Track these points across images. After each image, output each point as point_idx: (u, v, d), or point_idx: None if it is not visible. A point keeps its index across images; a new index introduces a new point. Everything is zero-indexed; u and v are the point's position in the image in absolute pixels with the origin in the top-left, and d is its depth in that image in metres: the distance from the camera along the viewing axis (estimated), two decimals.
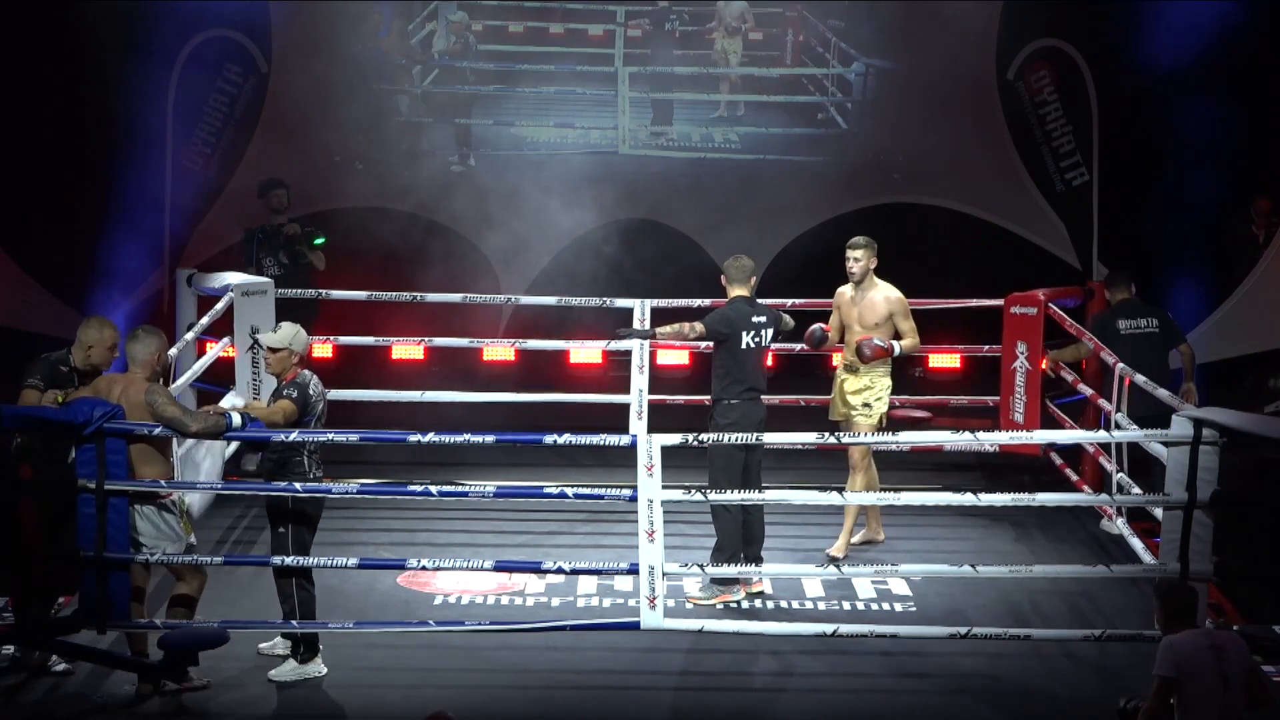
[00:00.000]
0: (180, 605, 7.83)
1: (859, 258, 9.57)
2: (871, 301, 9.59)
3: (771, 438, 8.86)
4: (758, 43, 14.25)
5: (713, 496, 8.46)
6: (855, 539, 9.76)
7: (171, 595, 7.89)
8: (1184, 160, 13.05)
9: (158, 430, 7.69)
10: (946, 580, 9.06)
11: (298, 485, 7.84)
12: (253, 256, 11.56)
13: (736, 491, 8.67)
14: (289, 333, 8.05)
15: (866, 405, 9.57)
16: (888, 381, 9.61)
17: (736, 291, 9.11)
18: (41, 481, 7.69)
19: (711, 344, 9.13)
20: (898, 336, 9.59)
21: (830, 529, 9.73)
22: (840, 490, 9.27)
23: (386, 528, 10.05)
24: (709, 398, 9.13)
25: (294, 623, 7.88)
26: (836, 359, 10.03)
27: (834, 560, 9.39)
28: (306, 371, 8.03)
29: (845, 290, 9.73)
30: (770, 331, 9.09)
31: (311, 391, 7.95)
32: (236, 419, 7.75)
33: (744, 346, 8.98)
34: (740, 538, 8.94)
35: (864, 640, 8.17)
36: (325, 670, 7.90)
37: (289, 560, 7.83)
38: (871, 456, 9.62)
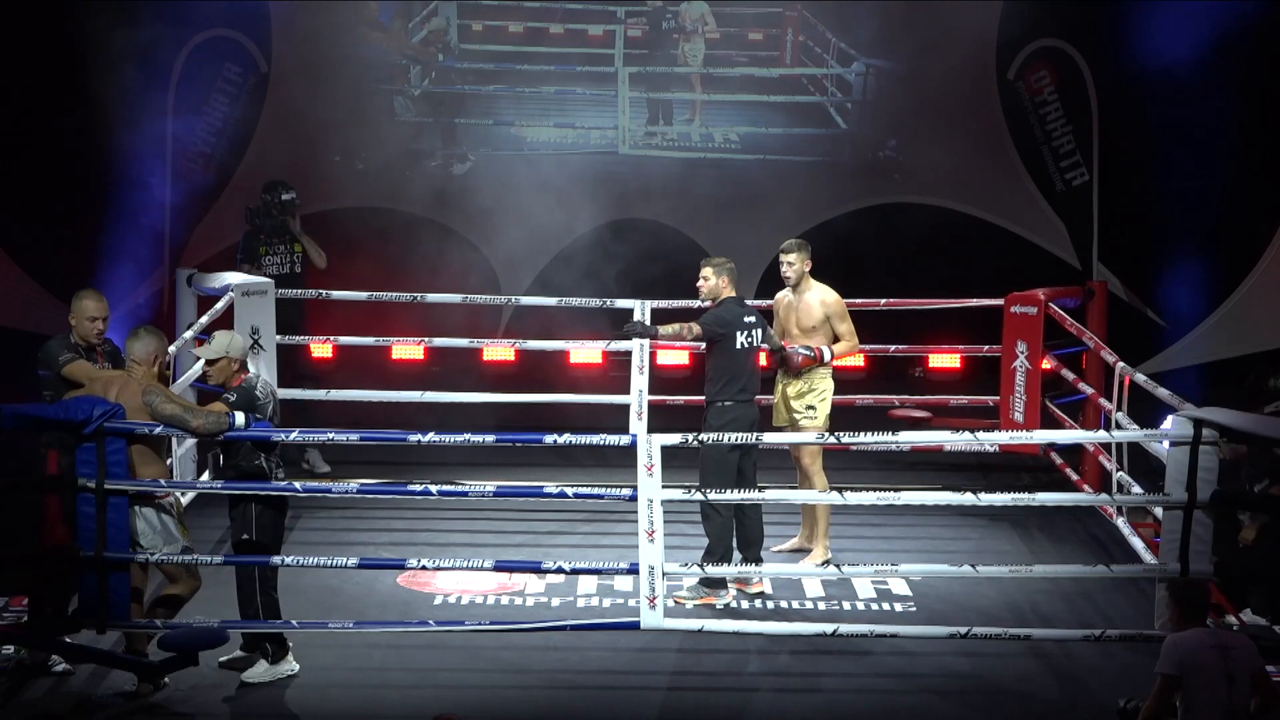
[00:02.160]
0: (164, 605, 7.83)
1: (792, 261, 9.46)
2: (807, 305, 9.47)
3: (770, 438, 8.86)
4: (757, 42, 14.25)
5: (713, 496, 8.45)
6: (787, 546, 9.73)
7: (158, 595, 7.89)
8: (1184, 160, 13.06)
9: (158, 430, 7.69)
10: (946, 580, 9.06)
11: (298, 485, 7.85)
12: (250, 253, 11.51)
13: (734, 492, 8.67)
14: (223, 341, 7.97)
15: (810, 408, 9.43)
16: (829, 383, 9.47)
17: (727, 293, 9.11)
18: (65, 477, 7.69)
19: (705, 345, 9.12)
20: (837, 339, 9.52)
21: (834, 529, 9.70)
22: (840, 490, 9.25)
23: (386, 528, 10.05)
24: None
25: (295, 623, 7.88)
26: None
27: (828, 562, 9.37)
28: (252, 375, 7.98)
29: (783, 295, 9.63)
30: (760, 332, 9.09)
31: (259, 394, 7.88)
32: (240, 418, 7.76)
33: (738, 347, 8.97)
34: (730, 540, 8.93)
35: (864, 640, 8.18)
36: (297, 668, 7.89)
37: (276, 560, 7.86)
38: (821, 461, 9.55)
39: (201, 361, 10.27)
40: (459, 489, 8.66)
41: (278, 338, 10.69)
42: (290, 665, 7.89)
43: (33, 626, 7.81)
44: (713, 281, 9.11)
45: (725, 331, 8.97)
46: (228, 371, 7.93)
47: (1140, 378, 9.32)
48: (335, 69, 13.54)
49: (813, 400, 9.43)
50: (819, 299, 9.46)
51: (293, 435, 7.87)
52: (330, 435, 8.06)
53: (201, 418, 7.72)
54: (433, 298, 11.47)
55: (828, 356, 9.39)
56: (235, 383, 7.92)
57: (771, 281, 13.24)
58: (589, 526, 10.14)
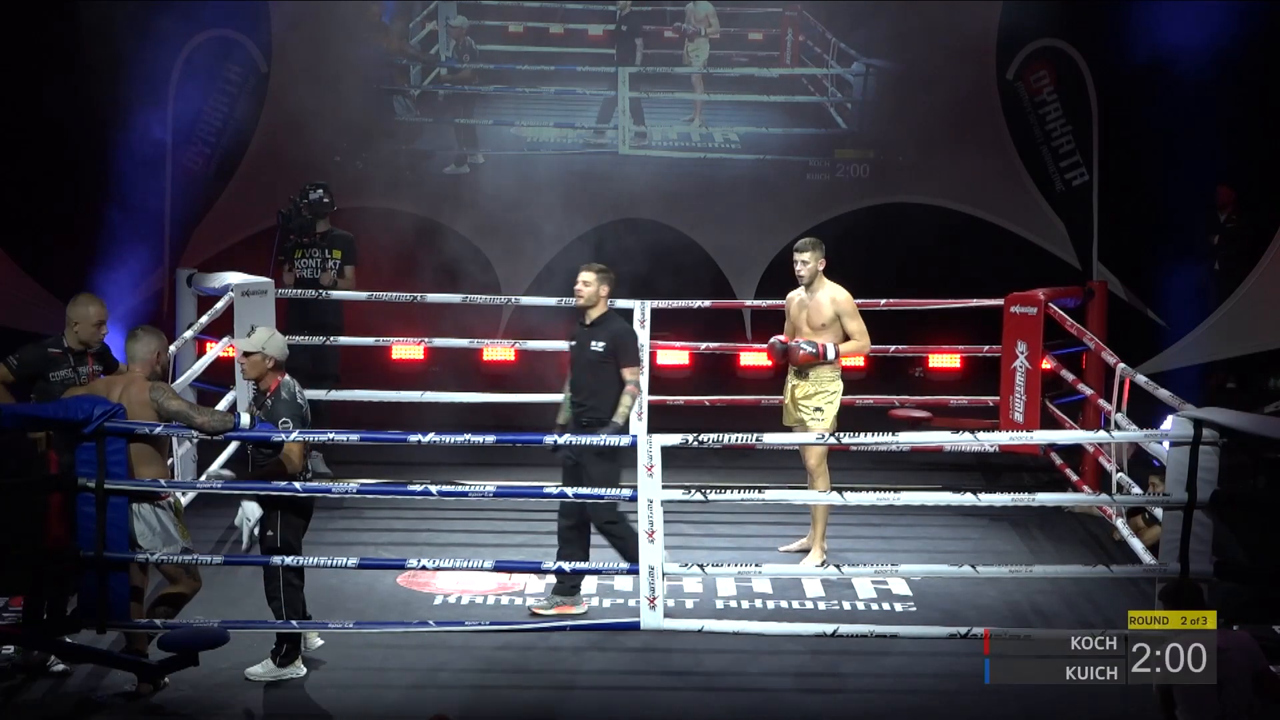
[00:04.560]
0: (164, 604, 7.84)
1: (806, 260, 9.44)
2: (818, 303, 9.45)
3: (770, 438, 8.85)
4: (757, 42, 14.25)
5: (713, 496, 8.43)
6: (794, 546, 9.73)
7: (159, 594, 7.90)
8: (1184, 160, 13.06)
9: (158, 429, 7.70)
10: (946, 580, 9.06)
11: (297, 485, 7.85)
12: (287, 253, 11.45)
13: (736, 493, 8.67)
14: (262, 337, 7.99)
15: (818, 410, 9.43)
16: (838, 385, 9.46)
17: (604, 303, 8.86)
18: (64, 477, 7.70)
19: (603, 361, 8.78)
20: (847, 338, 9.50)
21: (834, 529, 9.72)
22: (840, 490, 9.24)
23: (386, 528, 10.05)
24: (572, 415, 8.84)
25: (294, 623, 7.89)
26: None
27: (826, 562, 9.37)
28: (287, 378, 7.99)
29: (795, 294, 9.60)
30: None
31: (300, 401, 7.94)
32: (245, 419, 7.76)
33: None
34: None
35: (864, 640, 8.17)
36: (304, 672, 7.89)
37: (279, 560, 7.85)
38: (827, 465, 9.54)
39: (204, 360, 10.40)
40: (459, 489, 8.66)
41: (306, 338, 10.80)
42: (297, 669, 7.89)
43: (27, 627, 7.81)
44: (594, 288, 8.82)
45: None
46: (261, 368, 7.94)
47: (1140, 379, 9.32)
48: (335, 69, 13.55)
49: (820, 402, 9.43)
50: (830, 297, 9.45)
51: (293, 435, 7.87)
52: (330, 435, 8.07)
53: (206, 415, 7.74)
54: (433, 298, 11.46)
55: (831, 354, 9.37)
56: (273, 384, 7.94)
57: (771, 281, 13.30)
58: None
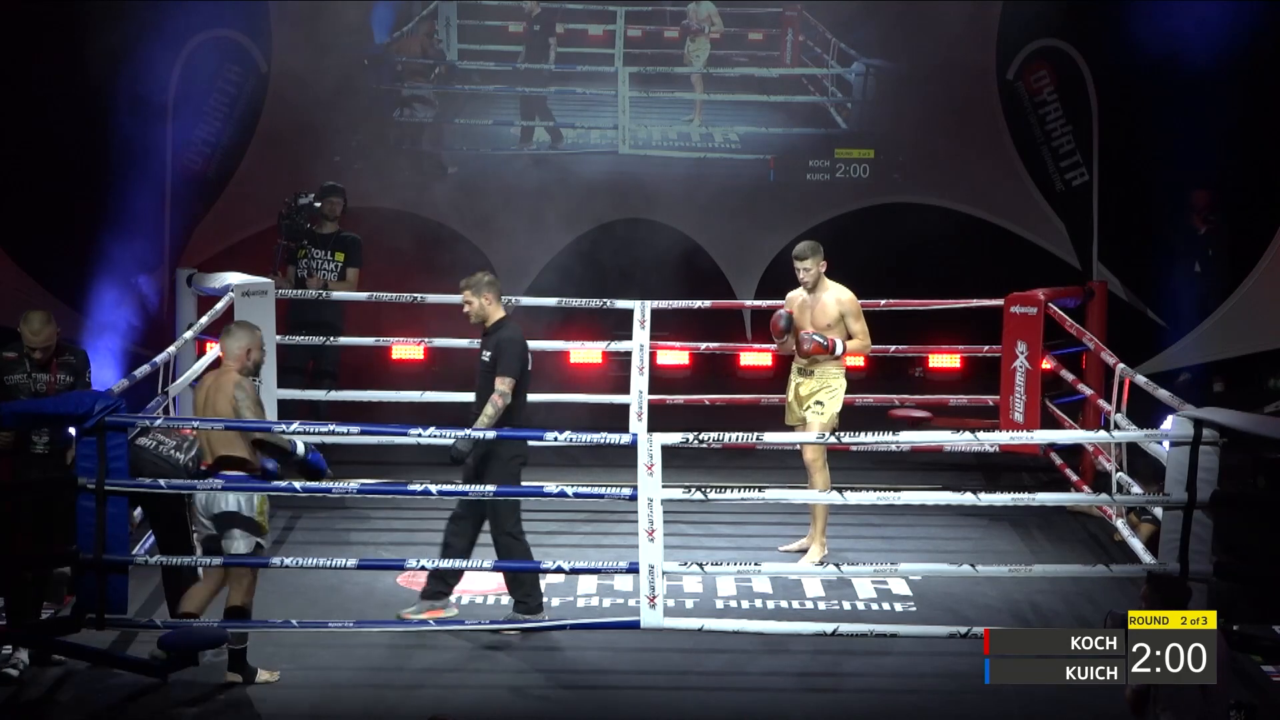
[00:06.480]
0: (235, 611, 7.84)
1: (808, 266, 9.46)
2: (823, 304, 9.49)
3: (770, 437, 8.86)
4: (757, 42, 14.25)
5: (713, 496, 8.43)
6: (794, 546, 9.73)
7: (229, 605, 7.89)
8: (1184, 160, 13.05)
9: (159, 423, 7.70)
10: (946, 580, 9.06)
11: (297, 485, 7.86)
12: (290, 255, 11.41)
13: (738, 492, 8.67)
14: None
15: (819, 404, 9.48)
16: (841, 382, 9.51)
17: (496, 312, 8.65)
18: (25, 481, 7.69)
19: (493, 367, 8.51)
20: (851, 338, 9.51)
21: (834, 529, 9.72)
22: (840, 490, 9.25)
23: (386, 528, 10.05)
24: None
25: (295, 622, 7.88)
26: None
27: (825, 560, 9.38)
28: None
29: (797, 294, 9.62)
30: None
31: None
32: (300, 447, 7.83)
33: (528, 371, 8.62)
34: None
35: (864, 640, 8.18)
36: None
37: (278, 561, 7.88)
38: (826, 459, 9.55)
39: (205, 360, 10.40)
40: (459, 489, 8.66)
41: (305, 337, 10.88)
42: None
43: (16, 629, 7.79)
44: (476, 304, 8.58)
45: (526, 365, 8.58)
46: None
47: (1140, 379, 9.32)
48: (335, 69, 13.53)
49: (822, 396, 9.47)
50: (835, 298, 9.49)
51: (293, 426, 7.89)
52: (330, 427, 8.10)
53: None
54: (433, 298, 11.44)
55: (839, 350, 9.41)
56: None
57: (771, 281, 13.29)
58: (589, 526, 10.14)
